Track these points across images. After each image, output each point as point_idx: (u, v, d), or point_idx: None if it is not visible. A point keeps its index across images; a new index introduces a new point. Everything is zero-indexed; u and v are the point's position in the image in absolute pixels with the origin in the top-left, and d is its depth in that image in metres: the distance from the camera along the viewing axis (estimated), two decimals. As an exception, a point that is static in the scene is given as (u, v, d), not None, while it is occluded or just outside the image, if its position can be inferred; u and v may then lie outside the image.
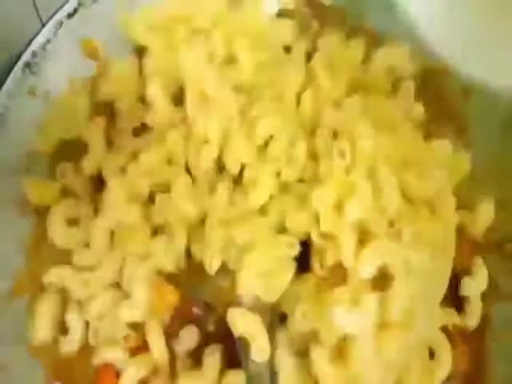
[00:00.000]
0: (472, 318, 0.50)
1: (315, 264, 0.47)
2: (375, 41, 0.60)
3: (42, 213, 0.52)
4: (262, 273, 0.46)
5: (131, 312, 0.48)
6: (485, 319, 0.51)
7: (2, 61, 0.53)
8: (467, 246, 0.52)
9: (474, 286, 0.50)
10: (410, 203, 0.45)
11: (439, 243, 0.47)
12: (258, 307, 0.47)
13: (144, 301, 0.48)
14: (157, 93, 0.54)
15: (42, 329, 0.49)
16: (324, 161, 0.46)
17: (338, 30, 0.59)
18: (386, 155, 0.44)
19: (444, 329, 0.49)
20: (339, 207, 0.44)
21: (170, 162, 0.53)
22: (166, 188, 0.52)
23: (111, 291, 0.50)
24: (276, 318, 0.48)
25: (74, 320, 0.50)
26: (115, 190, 0.51)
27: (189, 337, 0.50)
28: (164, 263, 0.50)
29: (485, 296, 0.51)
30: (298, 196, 0.48)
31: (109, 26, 0.57)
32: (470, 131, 0.57)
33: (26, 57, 0.54)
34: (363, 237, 0.44)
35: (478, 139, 0.57)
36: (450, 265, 0.49)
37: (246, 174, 0.51)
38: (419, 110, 0.56)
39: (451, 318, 0.50)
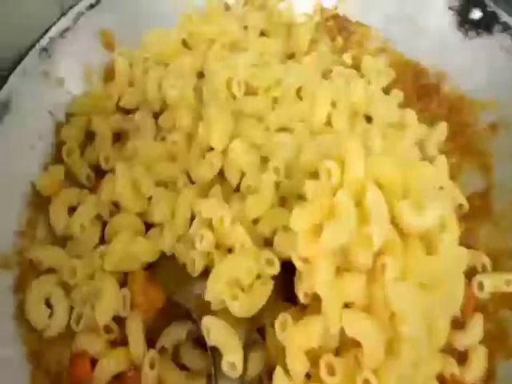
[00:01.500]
0: (473, 372, 0.46)
1: (299, 290, 0.42)
2: (399, 59, 0.59)
3: (41, 196, 0.53)
4: (235, 284, 0.44)
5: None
6: (490, 375, 0.47)
7: (24, 47, 0.54)
8: (470, 301, 0.47)
9: (466, 340, 0.47)
10: (401, 235, 0.39)
11: (437, 283, 0.40)
12: (235, 320, 0.44)
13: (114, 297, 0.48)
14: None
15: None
16: (311, 179, 0.42)
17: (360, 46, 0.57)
18: (378, 178, 0.40)
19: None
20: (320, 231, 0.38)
21: (172, 159, 0.53)
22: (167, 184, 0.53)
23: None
24: (254, 334, 0.46)
25: (59, 303, 0.50)
26: (121, 174, 0.50)
27: (176, 333, 0.49)
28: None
29: (492, 351, 0.47)
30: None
31: (127, 19, 0.58)
32: (495, 168, 0.54)
33: (43, 41, 0.55)
34: (344, 265, 0.39)
35: (501, 177, 0.54)
36: (451, 309, 0.42)
37: (246, 181, 0.50)
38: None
39: (449, 367, 0.45)
